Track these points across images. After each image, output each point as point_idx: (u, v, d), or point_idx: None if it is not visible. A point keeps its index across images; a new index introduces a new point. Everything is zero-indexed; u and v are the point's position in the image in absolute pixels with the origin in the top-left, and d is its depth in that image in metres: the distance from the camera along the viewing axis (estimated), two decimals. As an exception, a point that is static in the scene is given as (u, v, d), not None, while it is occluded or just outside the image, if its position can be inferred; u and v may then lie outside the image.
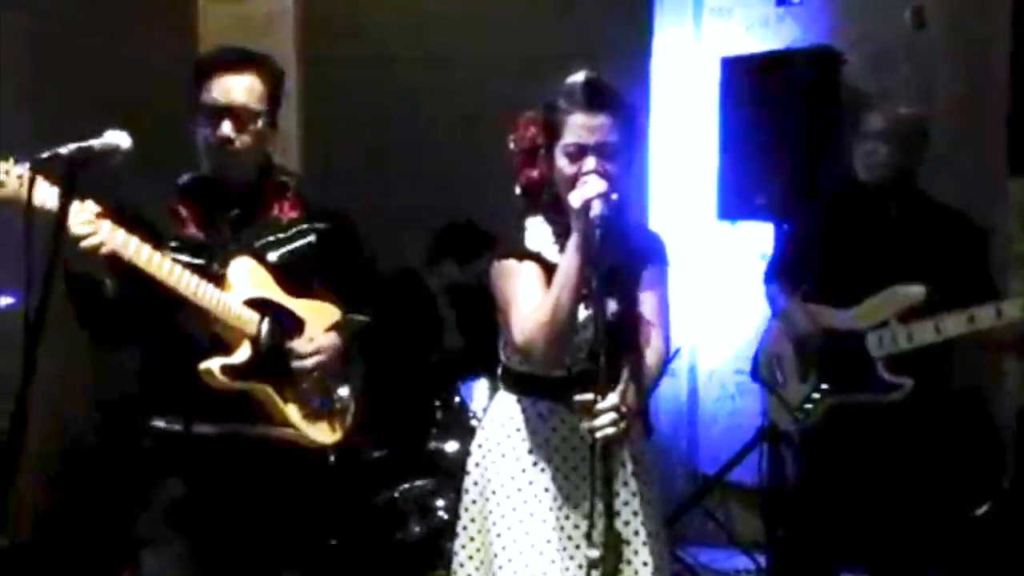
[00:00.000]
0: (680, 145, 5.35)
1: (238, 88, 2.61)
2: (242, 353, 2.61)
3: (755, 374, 3.73)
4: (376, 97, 5.27)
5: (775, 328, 3.66)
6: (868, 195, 3.51)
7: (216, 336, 2.61)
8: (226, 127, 2.59)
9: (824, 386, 3.44)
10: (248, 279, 2.66)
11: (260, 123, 2.64)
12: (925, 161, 3.53)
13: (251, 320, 2.63)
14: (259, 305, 2.66)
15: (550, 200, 2.47)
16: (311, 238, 2.75)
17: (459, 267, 4.59)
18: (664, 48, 5.42)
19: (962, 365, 4.72)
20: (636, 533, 2.46)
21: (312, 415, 2.74)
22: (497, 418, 2.55)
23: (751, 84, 4.89)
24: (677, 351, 4.74)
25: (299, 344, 2.70)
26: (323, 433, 2.77)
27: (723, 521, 4.94)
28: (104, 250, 2.38)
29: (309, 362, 2.69)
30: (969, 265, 3.40)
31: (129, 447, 2.75)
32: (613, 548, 2.13)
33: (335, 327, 2.79)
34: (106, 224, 2.40)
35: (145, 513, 2.65)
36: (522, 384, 2.52)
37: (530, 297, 2.39)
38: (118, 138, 2.23)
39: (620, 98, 2.43)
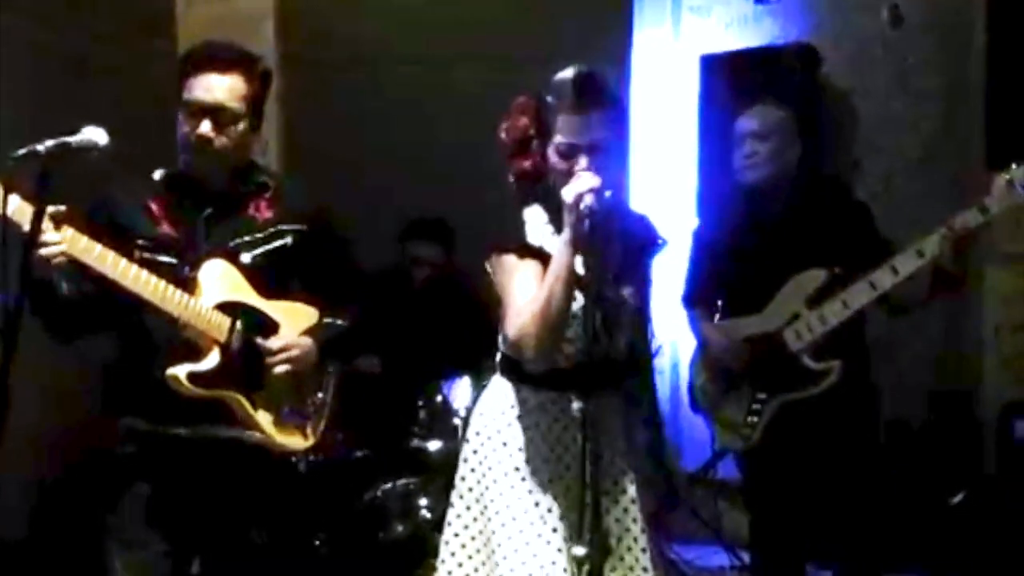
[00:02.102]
0: (660, 143, 5.36)
1: (220, 88, 2.57)
2: (211, 360, 2.56)
3: (694, 405, 3.72)
4: (356, 98, 5.25)
5: (701, 355, 3.67)
6: (754, 197, 3.52)
7: (186, 341, 2.56)
8: (205, 127, 2.55)
9: (760, 395, 3.45)
10: (220, 282, 2.61)
11: (241, 125, 2.60)
12: (800, 156, 3.52)
13: (221, 325, 2.58)
14: (231, 309, 2.61)
15: (545, 190, 2.45)
16: (287, 239, 2.69)
17: (429, 245, 4.62)
18: (643, 47, 5.44)
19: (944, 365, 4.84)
20: (636, 540, 2.48)
21: (283, 421, 2.69)
22: (497, 406, 2.51)
23: (730, 82, 4.91)
24: (659, 348, 4.75)
25: (270, 343, 2.65)
26: (294, 439, 2.72)
27: (708, 518, 4.94)
28: (60, 259, 2.34)
29: (279, 358, 2.65)
30: (861, 237, 3.41)
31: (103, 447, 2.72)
32: (599, 546, 2.12)
33: (310, 331, 2.74)
34: (68, 231, 2.35)
35: (115, 513, 2.61)
36: (524, 374, 2.48)
37: (526, 293, 2.38)
38: (95, 135, 2.22)
39: (610, 92, 2.42)
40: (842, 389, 3.33)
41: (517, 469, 2.45)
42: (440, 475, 3.90)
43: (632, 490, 2.50)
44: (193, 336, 2.56)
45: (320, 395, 2.79)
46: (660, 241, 2.59)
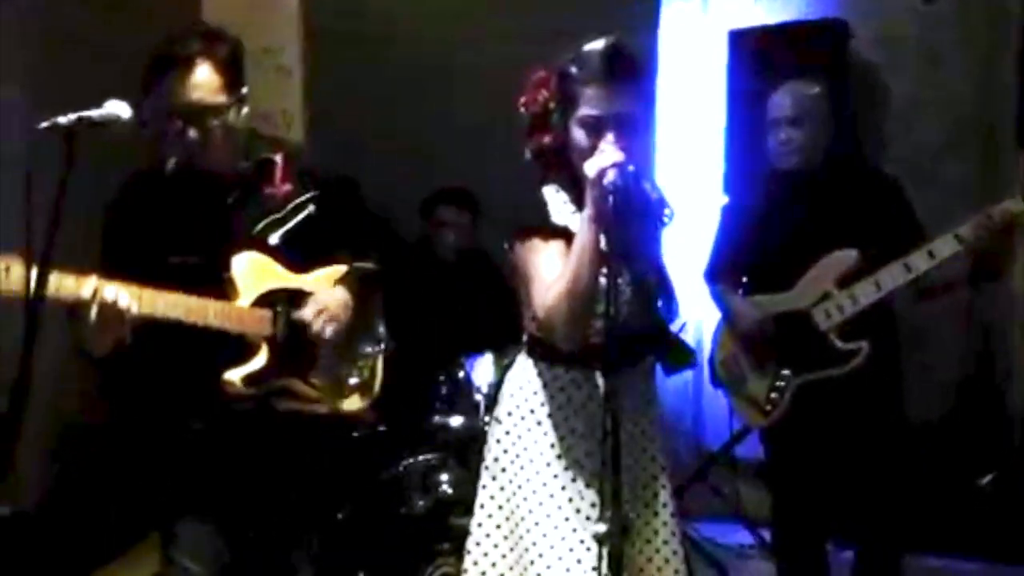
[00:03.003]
0: (687, 118, 5.33)
1: (195, 86, 2.46)
2: (261, 357, 2.58)
3: (715, 380, 3.71)
4: (380, 73, 5.24)
5: (725, 329, 3.65)
6: (789, 178, 3.50)
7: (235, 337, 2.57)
8: (192, 133, 2.48)
9: (785, 372, 3.43)
10: (253, 275, 2.60)
11: (229, 114, 2.52)
12: (836, 132, 3.51)
13: (264, 320, 2.59)
14: (269, 300, 2.61)
15: (564, 167, 2.42)
16: (310, 209, 2.68)
17: (455, 210, 4.62)
18: (671, 21, 5.40)
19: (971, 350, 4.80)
20: (656, 514, 2.49)
21: (341, 389, 2.75)
22: (528, 386, 2.49)
23: (758, 57, 4.87)
24: (683, 326, 4.74)
25: (305, 313, 2.64)
26: (352, 401, 2.78)
27: (729, 496, 4.95)
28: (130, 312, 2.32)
29: (319, 323, 2.64)
30: (895, 217, 3.39)
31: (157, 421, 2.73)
32: (618, 527, 2.11)
33: (340, 280, 2.75)
34: (99, 284, 2.30)
35: (175, 483, 2.62)
36: (555, 352, 2.45)
37: (553, 273, 2.35)
38: (118, 108, 2.20)
39: (639, 65, 2.38)
40: (869, 370, 3.32)
41: (553, 446, 2.44)
42: (461, 451, 3.91)
43: (661, 459, 2.51)
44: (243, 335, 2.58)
45: (371, 348, 2.83)
46: (668, 212, 2.50)
